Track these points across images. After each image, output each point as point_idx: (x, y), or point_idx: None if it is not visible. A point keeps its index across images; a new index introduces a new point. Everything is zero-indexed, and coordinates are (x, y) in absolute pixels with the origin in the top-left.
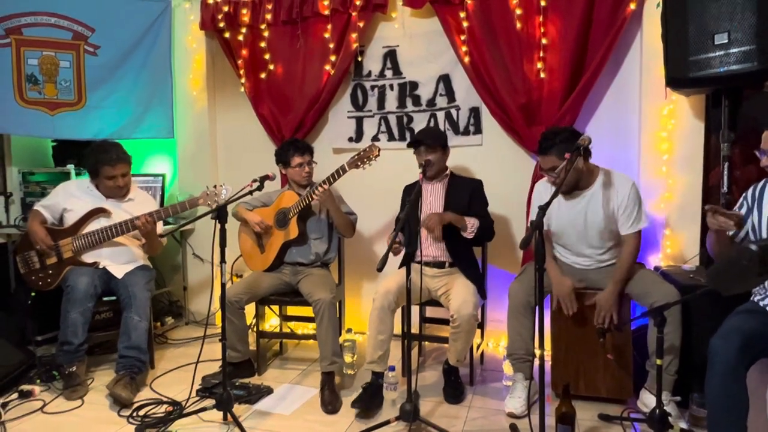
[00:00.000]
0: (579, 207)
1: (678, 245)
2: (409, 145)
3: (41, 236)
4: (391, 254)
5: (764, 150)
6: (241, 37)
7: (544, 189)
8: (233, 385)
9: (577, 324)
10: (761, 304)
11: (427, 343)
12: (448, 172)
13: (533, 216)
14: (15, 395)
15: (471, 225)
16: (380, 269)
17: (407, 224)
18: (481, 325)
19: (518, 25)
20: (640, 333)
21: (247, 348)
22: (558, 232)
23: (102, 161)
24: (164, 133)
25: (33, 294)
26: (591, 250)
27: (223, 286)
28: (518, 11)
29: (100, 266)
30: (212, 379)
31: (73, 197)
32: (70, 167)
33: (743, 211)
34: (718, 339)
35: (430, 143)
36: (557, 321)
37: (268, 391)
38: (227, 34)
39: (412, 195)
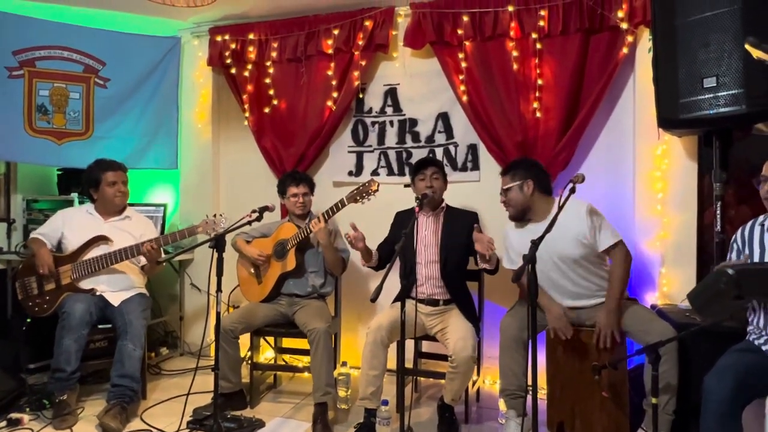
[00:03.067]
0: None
1: (674, 283)
2: (416, 168)
3: (47, 260)
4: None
5: (765, 176)
6: (246, 73)
7: (511, 231)
8: (225, 417)
9: (573, 361)
10: (756, 343)
11: (422, 378)
12: (443, 205)
13: (506, 259)
14: (3, 423)
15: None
16: (374, 300)
17: (403, 256)
18: (478, 362)
19: (515, 67)
20: (638, 372)
21: (239, 379)
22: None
23: (104, 168)
24: (168, 164)
25: (28, 320)
26: (572, 286)
27: (218, 314)
28: (515, 53)
29: (97, 293)
30: (204, 410)
31: (71, 220)
32: (74, 195)
33: (734, 255)
34: (712, 378)
35: (438, 166)
36: (553, 358)
37: (260, 424)
38: (233, 70)
39: (408, 227)
